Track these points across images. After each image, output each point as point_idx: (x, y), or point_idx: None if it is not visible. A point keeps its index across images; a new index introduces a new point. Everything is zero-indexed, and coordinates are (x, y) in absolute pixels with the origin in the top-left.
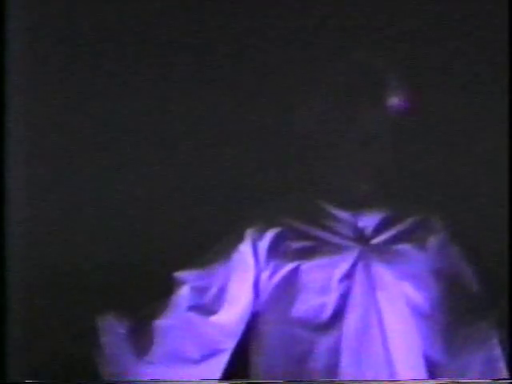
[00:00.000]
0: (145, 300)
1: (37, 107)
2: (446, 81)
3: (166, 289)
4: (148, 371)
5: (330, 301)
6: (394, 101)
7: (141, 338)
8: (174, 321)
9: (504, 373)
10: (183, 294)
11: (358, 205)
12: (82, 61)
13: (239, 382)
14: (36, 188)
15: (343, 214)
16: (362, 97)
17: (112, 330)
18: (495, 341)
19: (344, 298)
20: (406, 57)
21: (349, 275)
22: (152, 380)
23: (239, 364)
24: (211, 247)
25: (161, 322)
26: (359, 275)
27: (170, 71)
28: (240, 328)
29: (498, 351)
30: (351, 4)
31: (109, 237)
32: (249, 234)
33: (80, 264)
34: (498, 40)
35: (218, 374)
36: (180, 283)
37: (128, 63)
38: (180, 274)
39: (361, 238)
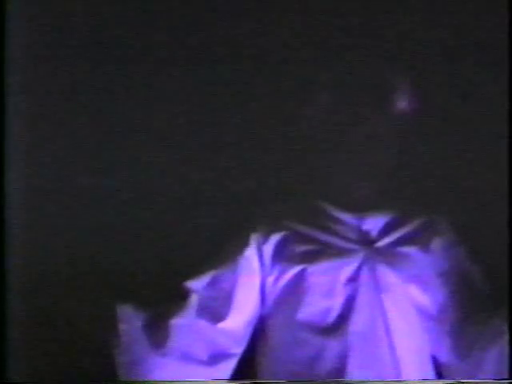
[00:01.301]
0: (145, 302)
1: (37, 107)
2: (448, 81)
3: (168, 294)
4: (161, 365)
5: (336, 304)
6: (397, 102)
7: (155, 333)
8: (183, 326)
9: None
10: (192, 302)
11: (362, 208)
12: (82, 61)
13: (246, 382)
14: (36, 188)
15: (348, 217)
16: (366, 98)
17: (130, 319)
18: (503, 340)
19: (349, 301)
20: (407, 58)
21: (354, 278)
22: (160, 380)
23: (246, 367)
24: (216, 252)
25: (171, 324)
26: (364, 278)
27: (170, 71)
28: (247, 333)
29: (506, 349)
30: (354, 5)
31: (109, 238)
32: (253, 238)
33: (80, 264)
34: (498, 40)
35: (227, 377)
36: (188, 292)
37: (128, 63)
38: (188, 283)
39: (365, 240)
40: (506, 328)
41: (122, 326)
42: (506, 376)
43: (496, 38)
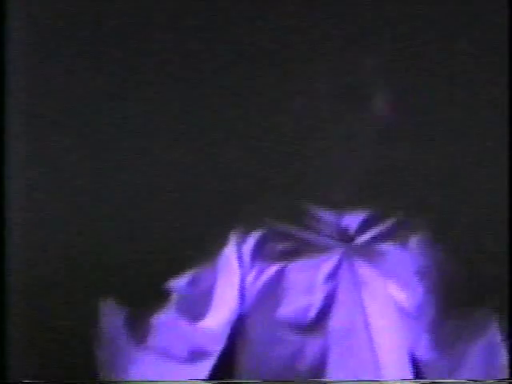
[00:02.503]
0: (126, 300)
1: (37, 107)
2: (447, 81)
3: (148, 293)
4: (140, 362)
5: (316, 301)
6: (381, 101)
7: (136, 328)
8: (163, 324)
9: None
10: (171, 300)
11: (341, 204)
12: (82, 61)
13: (230, 381)
14: (36, 188)
15: (327, 214)
16: (348, 97)
17: (112, 313)
18: (483, 337)
19: (329, 298)
20: (400, 56)
21: (333, 275)
22: (145, 380)
23: (226, 366)
24: (196, 251)
25: (151, 322)
26: (344, 275)
27: (169, 70)
28: (226, 331)
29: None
30: (347, 4)
31: (108, 237)
32: (232, 236)
33: (80, 264)
34: (498, 40)
35: (205, 375)
36: (168, 291)
37: (129, 63)
38: (168, 282)
39: (345, 237)
40: (486, 325)
41: (105, 323)
42: (506, 376)
43: (496, 38)
